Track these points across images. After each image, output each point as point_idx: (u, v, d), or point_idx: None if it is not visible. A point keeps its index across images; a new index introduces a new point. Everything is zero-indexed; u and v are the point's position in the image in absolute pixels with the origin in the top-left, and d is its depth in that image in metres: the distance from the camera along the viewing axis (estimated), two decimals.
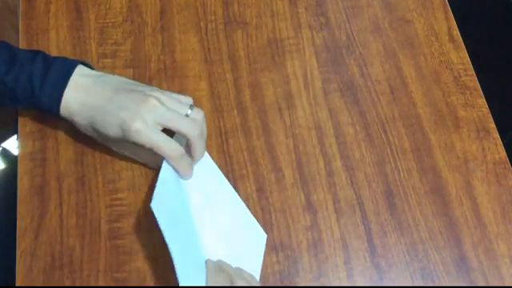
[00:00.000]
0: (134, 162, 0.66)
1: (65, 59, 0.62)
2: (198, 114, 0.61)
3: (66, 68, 0.61)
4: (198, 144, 0.61)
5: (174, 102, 0.61)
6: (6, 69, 0.60)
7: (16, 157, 0.67)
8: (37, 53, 0.62)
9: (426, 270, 0.63)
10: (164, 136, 0.59)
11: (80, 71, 0.61)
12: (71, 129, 0.68)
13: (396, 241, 0.64)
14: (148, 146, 0.59)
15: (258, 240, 0.63)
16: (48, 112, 0.61)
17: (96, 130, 0.61)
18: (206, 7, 0.77)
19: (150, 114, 0.58)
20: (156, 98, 0.59)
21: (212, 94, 0.71)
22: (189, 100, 0.63)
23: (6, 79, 0.60)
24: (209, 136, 0.69)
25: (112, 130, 0.59)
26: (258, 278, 0.61)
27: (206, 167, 0.64)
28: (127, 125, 0.58)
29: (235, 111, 0.71)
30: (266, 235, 0.63)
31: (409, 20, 0.78)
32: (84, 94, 0.60)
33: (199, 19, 0.77)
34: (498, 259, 0.64)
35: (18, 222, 0.63)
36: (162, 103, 0.59)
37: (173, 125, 0.59)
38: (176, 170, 0.61)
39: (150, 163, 0.65)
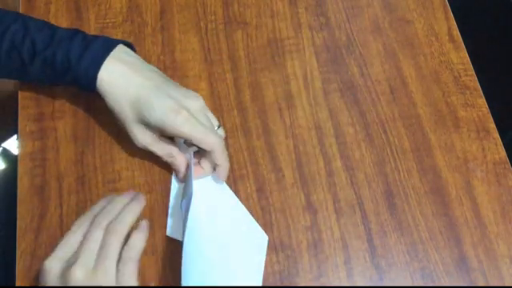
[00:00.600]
0: (133, 161, 0.66)
1: (106, 37, 0.63)
2: (223, 133, 0.67)
3: (106, 45, 0.62)
4: (223, 154, 0.62)
5: (211, 114, 0.66)
6: (45, 45, 0.61)
7: (16, 157, 0.67)
8: (76, 32, 0.63)
9: (426, 270, 0.63)
10: (206, 127, 0.61)
11: (122, 49, 0.63)
12: (71, 129, 0.68)
13: (396, 241, 0.64)
14: (191, 135, 0.60)
15: (259, 242, 0.63)
16: (85, 84, 0.61)
17: (136, 110, 0.61)
18: (206, 7, 0.77)
19: (196, 108, 0.61)
20: (202, 100, 0.63)
21: (212, 94, 0.71)
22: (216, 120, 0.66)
23: (46, 54, 0.61)
24: None
25: (156, 115, 0.59)
26: (260, 280, 0.61)
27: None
28: (174, 113, 0.59)
29: (235, 111, 0.71)
30: (267, 237, 0.63)
31: (409, 20, 0.78)
32: (129, 69, 0.61)
33: (199, 19, 0.77)
34: (498, 259, 0.64)
35: (18, 222, 0.63)
36: (205, 107, 0.64)
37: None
38: (219, 164, 0.62)
39: (163, 154, 0.64)
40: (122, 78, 0.61)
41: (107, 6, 0.77)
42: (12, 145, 1.05)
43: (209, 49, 0.75)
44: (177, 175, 0.65)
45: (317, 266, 0.63)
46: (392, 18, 0.78)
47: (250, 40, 0.75)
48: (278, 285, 0.62)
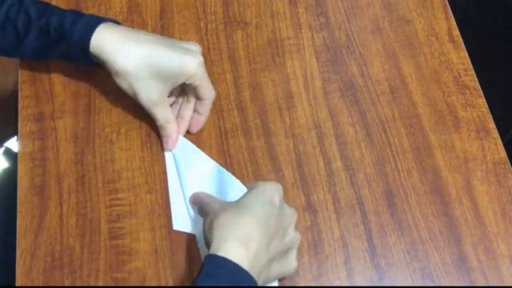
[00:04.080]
0: (133, 161, 0.66)
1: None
2: None
3: (99, 17, 0.64)
4: (210, 106, 0.69)
5: None
6: (40, 15, 0.64)
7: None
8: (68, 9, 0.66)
9: (425, 270, 0.63)
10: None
11: (112, 22, 0.65)
12: (71, 129, 0.68)
13: (396, 241, 0.64)
14: (202, 79, 0.65)
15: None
16: (79, 49, 0.63)
17: (148, 65, 0.62)
18: (206, 7, 0.77)
19: (201, 53, 0.67)
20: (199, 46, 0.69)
21: None
22: None
23: (40, 23, 0.63)
24: (209, 136, 0.69)
25: (173, 63, 0.63)
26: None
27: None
28: (191, 57, 0.63)
29: (235, 111, 0.71)
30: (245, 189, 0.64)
31: (409, 20, 0.78)
32: (125, 30, 0.64)
33: (199, 19, 0.77)
34: (498, 259, 0.64)
35: (18, 222, 0.63)
36: None
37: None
38: (202, 114, 0.68)
39: (162, 118, 0.65)
40: (125, 37, 0.63)
41: (107, 6, 0.77)
42: (14, 144, 1.05)
43: (209, 49, 0.75)
44: (165, 145, 0.67)
45: (317, 266, 0.63)
46: (392, 17, 0.78)
47: (250, 40, 0.75)
48: (278, 285, 0.62)
